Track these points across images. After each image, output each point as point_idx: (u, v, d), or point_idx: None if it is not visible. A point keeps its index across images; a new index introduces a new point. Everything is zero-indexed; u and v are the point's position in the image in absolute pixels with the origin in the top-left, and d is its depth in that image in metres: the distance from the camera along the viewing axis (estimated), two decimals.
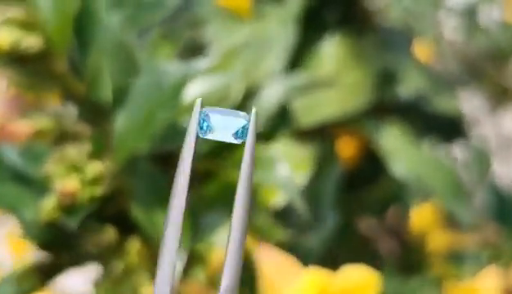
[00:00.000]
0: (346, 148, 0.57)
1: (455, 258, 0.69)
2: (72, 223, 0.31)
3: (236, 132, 0.20)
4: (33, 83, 0.35)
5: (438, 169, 0.52)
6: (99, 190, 0.32)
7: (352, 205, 0.62)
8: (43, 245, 0.36)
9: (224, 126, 0.21)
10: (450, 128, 0.59)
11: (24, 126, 0.33)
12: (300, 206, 0.38)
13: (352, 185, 0.60)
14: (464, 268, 0.68)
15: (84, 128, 0.36)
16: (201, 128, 0.20)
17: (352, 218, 0.64)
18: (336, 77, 0.44)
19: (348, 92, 0.46)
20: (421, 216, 0.71)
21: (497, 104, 0.85)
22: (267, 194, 0.39)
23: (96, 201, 0.32)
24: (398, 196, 0.67)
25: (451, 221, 0.72)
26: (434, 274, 0.68)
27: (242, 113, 0.21)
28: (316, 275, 0.35)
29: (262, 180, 0.38)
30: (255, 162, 0.38)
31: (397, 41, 0.57)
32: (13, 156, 0.31)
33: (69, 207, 0.30)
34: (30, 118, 0.34)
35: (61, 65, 0.35)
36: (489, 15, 0.82)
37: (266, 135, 0.40)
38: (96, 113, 0.36)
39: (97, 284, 0.38)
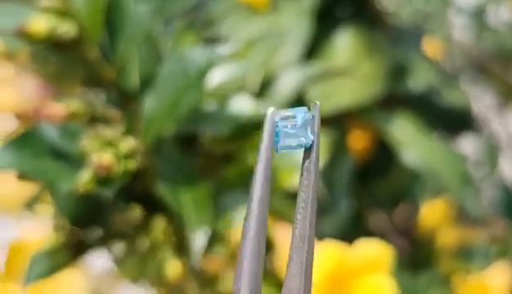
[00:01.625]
0: (358, 140, 0.59)
1: (464, 253, 0.70)
2: (108, 193, 0.33)
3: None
4: (67, 68, 0.37)
5: (449, 159, 0.53)
6: (132, 165, 0.34)
7: (363, 199, 0.64)
8: (75, 222, 0.38)
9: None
10: (459, 121, 0.61)
11: (58, 109, 0.36)
12: (319, 187, 0.39)
13: (363, 178, 0.61)
14: (472, 263, 0.69)
15: (113, 112, 0.38)
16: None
17: (363, 213, 0.65)
18: (351, 67, 0.46)
19: (362, 82, 0.48)
20: (430, 213, 0.72)
21: (505, 102, 0.86)
22: (285, 176, 0.41)
23: (129, 175, 0.34)
24: (408, 191, 0.69)
25: (459, 217, 0.74)
26: (443, 270, 0.69)
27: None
28: (331, 248, 0.37)
29: (279, 162, 0.40)
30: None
31: (408, 38, 0.59)
32: (52, 133, 0.33)
33: (104, 179, 0.33)
34: (63, 102, 0.36)
35: (93, 52, 0.37)
36: (497, 16, 0.84)
37: None
38: (124, 98, 0.38)
39: (124, 260, 0.40)
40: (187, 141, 0.40)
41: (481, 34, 0.83)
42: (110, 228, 0.39)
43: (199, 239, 0.37)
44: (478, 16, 0.84)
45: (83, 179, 0.32)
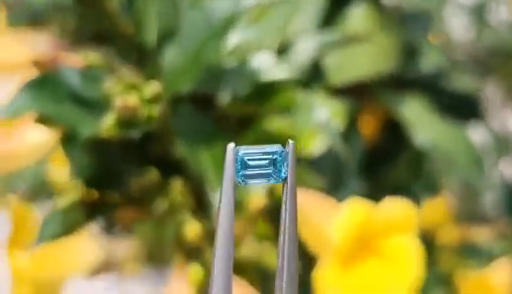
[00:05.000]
0: (367, 124, 0.58)
1: (466, 251, 0.69)
2: (133, 135, 0.31)
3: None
4: (85, 21, 0.36)
5: (459, 140, 0.53)
6: (156, 110, 0.32)
7: (367, 192, 0.63)
8: (90, 183, 0.37)
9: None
10: (467, 108, 0.60)
11: (75, 60, 0.34)
12: (341, 149, 0.39)
13: (367, 170, 0.60)
14: (475, 261, 0.68)
15: (131, 68, 0.37)
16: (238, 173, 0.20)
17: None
18: (367, 36, 0.45)
19: (378, 53, 0.47)
20: (431, 211, 0.71)
21: (505, 101, 0.86)
22: (306, 140, 0.40)
23: (153, 120, 0.32)
24: (410, 188, 0.68)
25: (461, 214, 0.73)
26: (446, 268, 0.68)
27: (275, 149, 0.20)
28: (357, 207, 0.36)
29: (302, 124, 0.39)
30: (294, 108, 0.39)
31: (416, 23, 0.59)
32: (72, 77, 0.32)
33: (128, 122, 0.31)
34: (80, 54, 0.35)
35: (112, 4, 0.36)
36: (497, 13, 0.84)
37: (302, 85, 0.41)
38: (142, 54, 0.37)
39: (140, 224, 0.38)
40: (205, 104, 0.39)
41: (481, 32, 0.83)
42: (126, 190, 0.38)
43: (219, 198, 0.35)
44: (478, 13, 0.83)
45: (107, 123, 0.31)
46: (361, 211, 0.36)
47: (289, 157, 0.20)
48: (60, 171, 0.39)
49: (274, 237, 0.39)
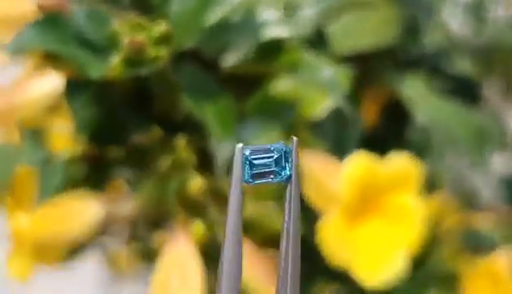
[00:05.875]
0: (367, 111, 0.57)
1: (469, 240, 0.69)
2: (141, 73, 0.31)
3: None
4: None
5: (460, 115, 0.53)
6: (164, 51, 0.32)
7: None
8: (92, 137, 0.37)
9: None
10: (466, 91, 0.60)
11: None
12: (346, 107, 0.38)
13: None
14: (477, 249, 0.68)
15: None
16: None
17: None
18: (370, 3, 0.45)
19: (381, 25, 0.47)
20: (431, 204, 0.71)
21: (504, 99, 0.86)
22: (310, 104, 0.39)
23: (161, 60, 0.32)
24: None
25: (462, 203, 0.73)
26: (448, 257, 0.68)
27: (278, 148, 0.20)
28: (362, 159, 0.36)
29: (308, 81, 0.38)
30: (301, 67, 0.38)
31: (420, 8, 0.59)
32: (80, 19, 0.32)
33: (135, 60, 0.31)
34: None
35: None
36: (495, 10, 0.84)
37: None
38: (147, 9, 0.37)
39: (141, 182, 0.38)
40: (210, 65, 0.39)
41: (479, 28, 0.83)
42: (128, 147, 0.38)
43: (224, 150, 0.35)
44: (475, 10, 0.84)
45: (114, 62, 0.31)
46: (366, 164, 0.36)
47: (293, 154, 0.20)
48: (62, 126, 0.38)
49: (276, 197, 0.38)
